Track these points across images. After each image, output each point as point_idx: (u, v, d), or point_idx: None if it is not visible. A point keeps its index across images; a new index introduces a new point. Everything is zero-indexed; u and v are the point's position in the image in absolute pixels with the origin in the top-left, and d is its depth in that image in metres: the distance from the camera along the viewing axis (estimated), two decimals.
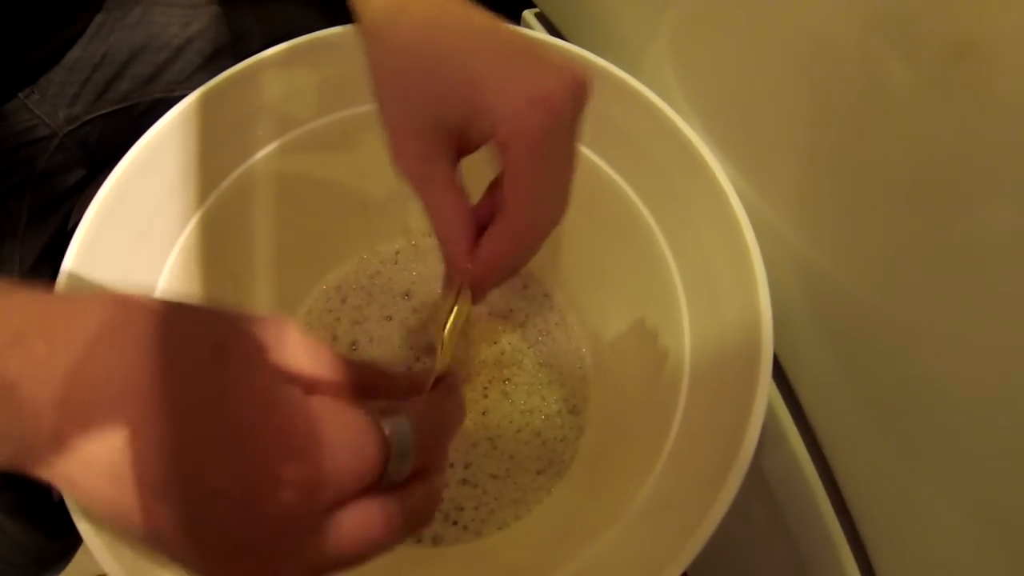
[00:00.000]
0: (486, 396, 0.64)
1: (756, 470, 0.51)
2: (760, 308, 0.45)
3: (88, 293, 0.29)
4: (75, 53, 0.73)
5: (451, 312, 0.39)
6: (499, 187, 0.38)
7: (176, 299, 0.29)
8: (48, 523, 0.68)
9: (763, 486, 0.55)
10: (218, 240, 0.57)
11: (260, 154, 0.57)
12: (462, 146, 0.38)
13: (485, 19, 0.38)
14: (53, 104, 0.73)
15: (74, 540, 0.72)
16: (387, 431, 0.28)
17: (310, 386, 0.29)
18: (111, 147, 0.78)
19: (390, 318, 0.68)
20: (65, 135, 0.74)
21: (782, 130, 0.46)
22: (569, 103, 0.36)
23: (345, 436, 0.27)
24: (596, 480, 0.58)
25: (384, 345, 0.67)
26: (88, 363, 0.26)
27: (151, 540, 0.26)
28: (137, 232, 0.51)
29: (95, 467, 0.26)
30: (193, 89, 0.75)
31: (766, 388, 0.43)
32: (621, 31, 0.60)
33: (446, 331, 0.39)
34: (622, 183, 0.56)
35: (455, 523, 0.59)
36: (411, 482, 0.30)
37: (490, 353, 0.66)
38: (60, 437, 0.26)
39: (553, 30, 0.70)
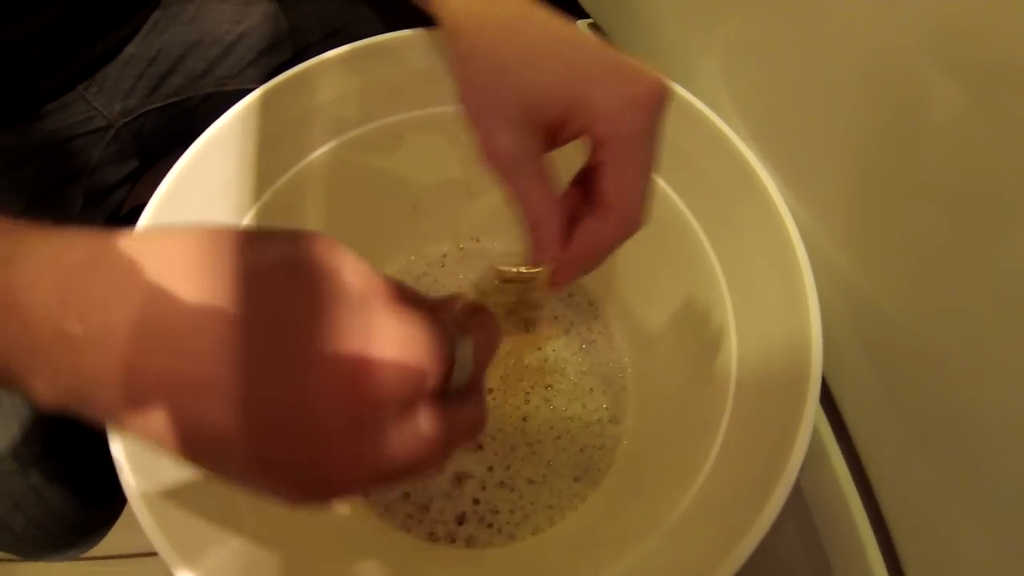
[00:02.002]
0: (527, 402, 0.65)
1: (794, 487, 0.52)
2: (810, 325, 0.46)
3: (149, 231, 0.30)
4: (131, 48, 0.76)
5: (529, 274, 0.41)
6: (587, 182, 0.41)
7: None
8: (88, 493, 0.70)
9: (800, 503, 0.55)
10: None
11: (316, 153, 0.59)
12: (552, 139, 0.41)
13: (572, 27, 0.41)
14: (109, 97, 0.75)
15: (111, 513, 0.74)
16: (453, 340, 0.30)
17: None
18: (163, 139, 0.81)
19: None
20: (120, 127, 0.77)
21: (831, 147, 0.47)
22: (659, 105, 0.39)
23: (415, 340, 0.28)
24: (633, 490, 0.59)
25: None
26: (159, 293, 0.27)
27: (217, 456, 0.28)
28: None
29: (168, 386, 0.27)
30: (244, 84, 0.77)
31: (814, 405, 0.44)
32: (675, 44, 0.61)
33: (510, 275, 0.41)
34: (673, 195, 0.57)
35: (490, 525, 0.60)
36: (461, 399, 0.31)
37: (534, 359, 0.67)
38: (132, 362, 0.27)
39: (606, 41, 0.71)
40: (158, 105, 0.78)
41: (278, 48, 0.77)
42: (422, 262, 0.72)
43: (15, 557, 0.69)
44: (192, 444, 0.27)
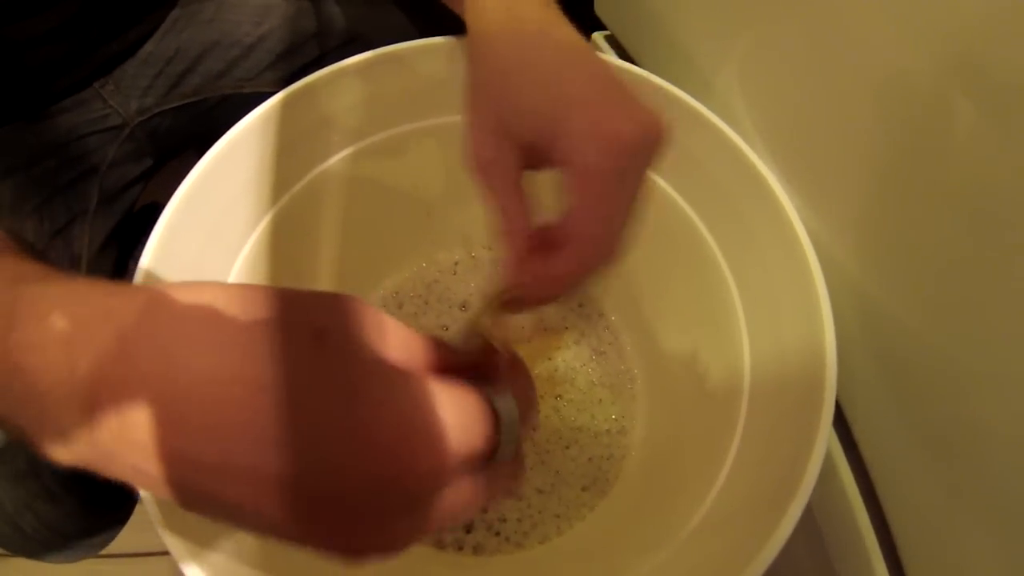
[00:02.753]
0: (537, 411, 0.66)
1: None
2: (824, 338, 0.46)
3: (181, 282, 0.29)
4: (149, 47, 0.76)
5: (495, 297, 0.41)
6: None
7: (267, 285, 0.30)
8: (100, 494, 0.71)
9: (808, 518, 0.56)
10: (286, 241, 0.59)
11: (334, 159, 0.60)
12: (530, 160, 0.41)
13: (584, 49, 0.41)
14: (126, 95, 0.76)
15: (122, 515, 0.75)
16: (498, 408, 0.30)
17: (412, 367, 0.30)
18: (178, 139, 0.81)
19: (446, 328, 0.70)
20: (136, 125, 0.77)
21: (844, 158, 0.47)
22: (644, 148, 0.37)
23: (462, 417, 0.28)
24: (642, 501, 0.60)
25: None
26: (190, 351, 0.26)
27: (258, 528, 0.27)
28: (210, 230, 0.53)
29: (201, 465, 0.26)
30: (262, 87, 0.78)
31: (829, 419, 0.44)
32: (692, 56, 0.62)
33: (487, 314, 0.41)
34: (685, 207, 0.58)
35: (497, 534, 0.61)
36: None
37: (544, 369, 0.68)
38: (157, 441, 0.26)
39: (623, 53, 0.71)
40: (175, 105, 0.78)
41: (297, 52, 0.77)
42: (434, 269, 0.73)
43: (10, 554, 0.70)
44: (235, 518, 0.27)
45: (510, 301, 0.41)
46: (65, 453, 0.28)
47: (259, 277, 0.58)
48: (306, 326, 0.27)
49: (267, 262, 0.58)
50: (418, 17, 0.76)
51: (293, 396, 0.26)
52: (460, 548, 0.60)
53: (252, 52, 0.77)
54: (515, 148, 0.40)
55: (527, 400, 0.34)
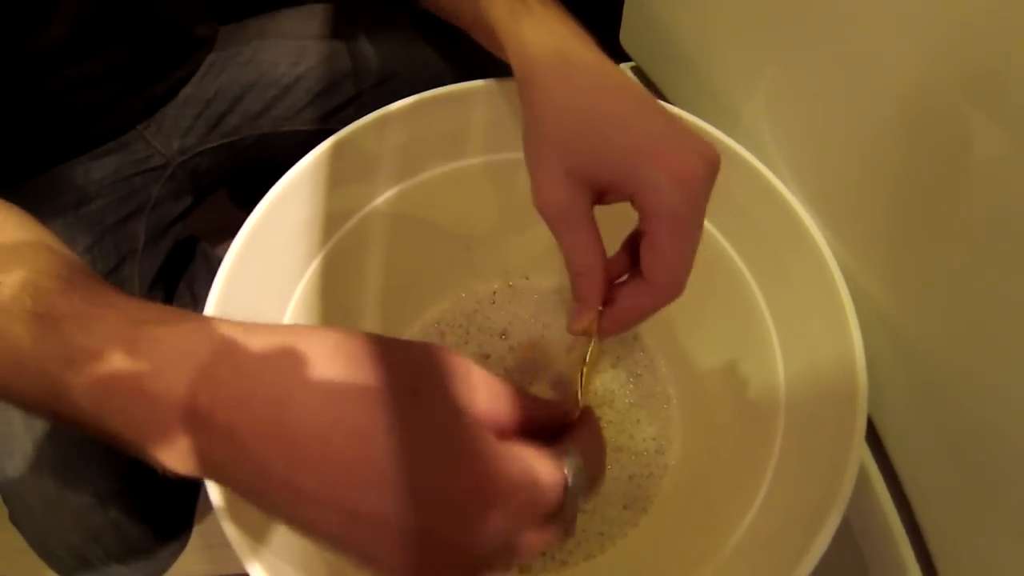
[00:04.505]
0: (603, 474, 0.69)
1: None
2: (855, 361, 0.49)
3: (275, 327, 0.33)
4: (189, 89, 0.80)
5: (588, 350, 0.45)
6: (635, 243, 0.44)
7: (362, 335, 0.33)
8: (163, 523, 0.74)
9: (847, 532, 0.58)
10: (335, 279, 0.63)
11: (380, 199, 0.63)
12: (601, 198, 0.44)
13: (638, 89, 0.45)
14: (168, 136, 0.79)
15: (181, 543, 0.78)
16: (566, 471, 0.33)
17: (496, 425, 0.33)
18: (217, 177, 0.85)
19: (487, 356, 0.73)
20: (177, 165, 0.81)
21: (871, 187, 0.50)
22: (707, 182, 0.42)
23: (536, 479, 0.32)
24: (682, 516, 0.63)
25: None
26: (291, 405, 0.30)
27: (364, 556, 0.30)
28: (265, 272, 0.56)
29: (305, 496, 0.29)
30: (300, 125, 0.81)
31: (861, 437, 0.47)
32: (717, 88, 0.65)
33: (586, 366, 0.45)
34: (718, 235, 0.61)
35: (543, 553, 0.64)
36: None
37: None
38: (265, 468, 0.29)
39: (648, 82, 0.75)
40: (214, 144, 0.82)
41: (334, 91, 0.80)
42: (473, 299, 0.77)
43: None
44: (342, 544, 0.30)
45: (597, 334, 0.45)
46: (183, 468, 0.31)
47: (311, 315, 0.61)
48: (404, 379, 0.31)
49: (319, 300, 0.62)
50: (451, 54, 0.79)
51: (397, 448, 0.29)
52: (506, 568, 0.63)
53: (289, 92, 0.80)
54: (587, 191, 0.44)
55: (597, 465, 0.38)
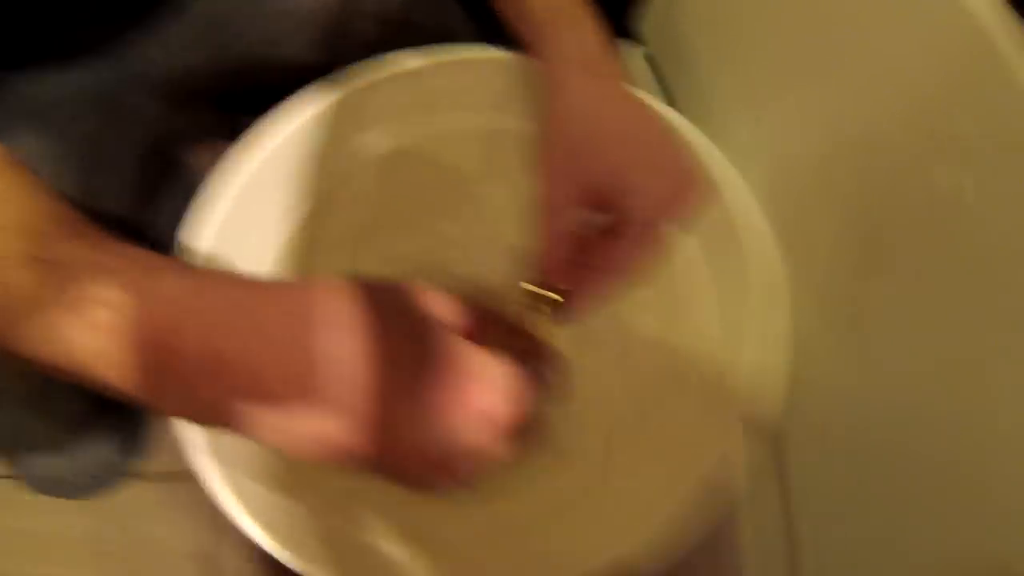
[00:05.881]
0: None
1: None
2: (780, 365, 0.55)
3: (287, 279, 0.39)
4: (191, 7, 0.73)
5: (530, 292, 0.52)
6: (608, 235, 0.50)
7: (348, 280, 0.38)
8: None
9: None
10: (319, 223, 0.65)
11: (373, 146, 0.66)
12: (593, 204, 0.50)
13: (645, 108, 0.51)
14: (165, 54, 0.74)
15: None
16: (528, 379, 0.39)
17: (456, 328, 0.39)
18: (208, 96, 0.82)
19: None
20: (174, 85, 0.77)
21: (824, 212, 0.55)
22: (688, 206, 0.49)
23: (494, 377, 0.36)
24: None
25: None
26: (300, 346, 0.34)
27: (360, 460, 0.35)
28: (255, 215, 0.60)
29: (317, 420, 0.34)
30: (305, 57, 0.77)
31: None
32: (719, 88, 0.68)
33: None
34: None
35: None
36: None
37: None
38: (285, 400, 0.33)
39: (657, 71, 0.78)
40: (213, 68, 0.77)
41: (345, 28, 0.75)
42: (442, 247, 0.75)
43: None
44: (333, 455, 0.35)
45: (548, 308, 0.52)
46: (181, 411, 0.36)
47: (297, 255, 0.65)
48: (372, 300, 0.36)
49: (306, 242, 0.65)
50: (470, 9, 0.78)
51: (363, 348, 0.34)
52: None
53: (296, 21, 0.75)
54: (583, 197, 0.49)
55: (557, 379, 0.45)
